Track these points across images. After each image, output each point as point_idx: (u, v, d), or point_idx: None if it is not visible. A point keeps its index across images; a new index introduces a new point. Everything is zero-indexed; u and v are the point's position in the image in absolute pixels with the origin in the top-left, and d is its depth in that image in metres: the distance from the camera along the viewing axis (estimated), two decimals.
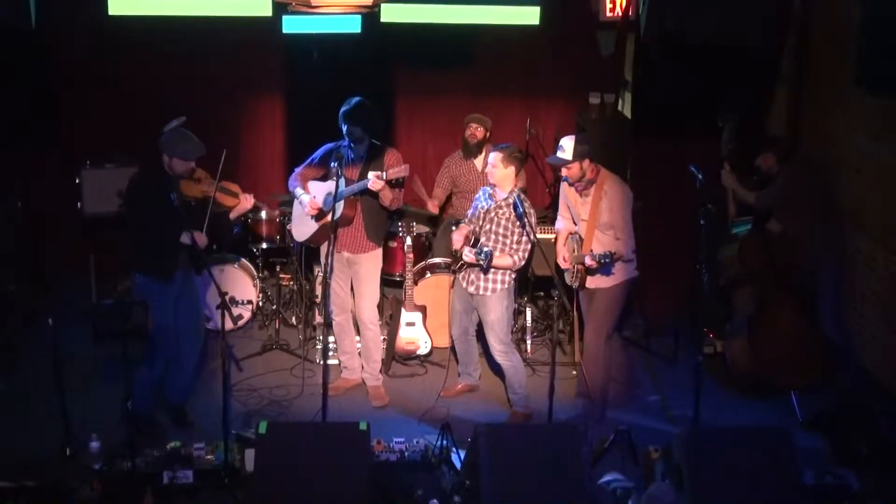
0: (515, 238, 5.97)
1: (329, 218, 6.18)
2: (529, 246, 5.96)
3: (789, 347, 6.39)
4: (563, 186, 6.21)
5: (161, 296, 5.74)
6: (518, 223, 5.94)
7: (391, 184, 6.09)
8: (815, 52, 7.63)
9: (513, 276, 6.10)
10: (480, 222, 6.09)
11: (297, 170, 6.41)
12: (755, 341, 6.41)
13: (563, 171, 5.99)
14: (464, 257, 6.02)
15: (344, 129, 6.14)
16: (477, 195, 6.27)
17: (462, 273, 6.17)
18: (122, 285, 7.46)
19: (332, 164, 6.10)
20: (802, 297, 6.52)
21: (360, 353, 6.67)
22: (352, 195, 6.12)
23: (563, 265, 6.20)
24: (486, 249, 5.90)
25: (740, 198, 6.80)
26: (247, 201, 6.03)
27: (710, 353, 7.03)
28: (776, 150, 6.69)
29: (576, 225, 6.18)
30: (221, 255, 7.39)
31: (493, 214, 6.04)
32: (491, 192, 6.10)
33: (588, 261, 5.88)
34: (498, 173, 5.97)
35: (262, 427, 5.10)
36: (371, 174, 6.02)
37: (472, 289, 6.12)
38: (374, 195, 6.12)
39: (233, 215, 6.11)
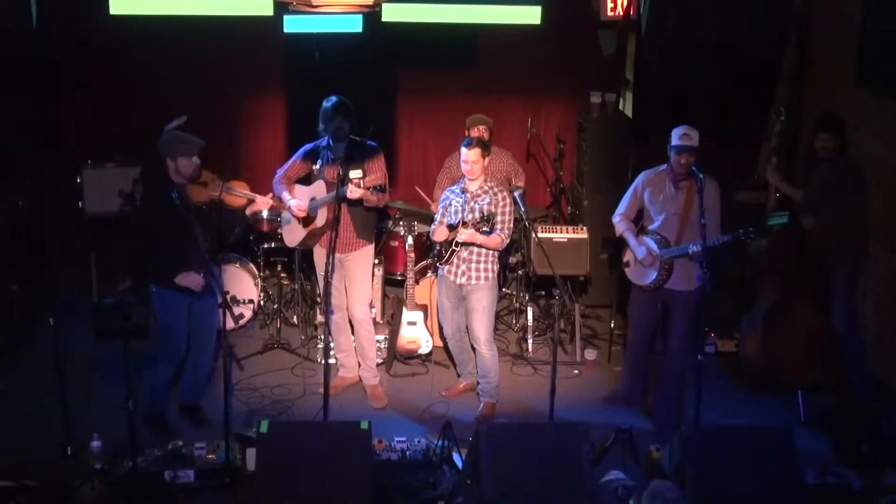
0: (498, 219, 6.04)
1: (316, 224, 6.20)
2: (512, 225, 6.13)
3: (803, 346, 6.36)
4: (644, 181, 6.07)
5: (175, 301, 5.73)
6: (500, 207, 6.04)
7: (371, 189, 5.98)
8: (815, 52, 7.63)
9: (497, 266, 6.19)
10: (460, 215, 6.10)
11: (280, 172, 6.36)
12: (769, 335, 6.36)
13: (685, 160, 5.82)
14: (462, 238, 6.00)
15: (332, 125, 6.03)
16: (444, 196, 6.30)
17: (448, 266, 6.19)
18: (122, 285, 7.46)
19: (316, 164, 6.15)
20: (822, 297, 6.49)
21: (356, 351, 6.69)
22: (332, 202, 6.05)
23: (647, 265, 5.98)
24: (484, 214, 5.93)
25: (787, 194, 6.57)
26: (263, 203, 6.05)
27: (712, 352, 7.05)
28: (834, 131, 6.43)
29: (634, 223, 6.09)
30: (223, 254, 7.39)
31: (472, 204, 6.09)
32: (463, 186, 6.16)
33: (693, 248, 5.75)
34: (479, 167, 6.06)
35: (263, 426, 5.10)
36: (350, 181, 5.93)
37: (462, 280, 6.15)
38: (356, 202, 6.07)
39: (248, 211, 6.16)
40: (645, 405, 6.37)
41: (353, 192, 5.94)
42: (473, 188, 6.12)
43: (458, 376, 6.67)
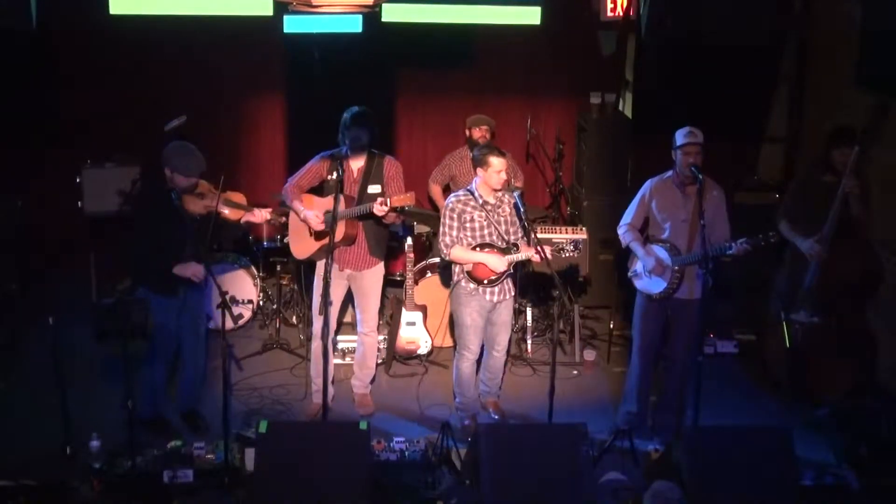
0: (518, 227, 5.94)
1: (330, 238, 6.04)
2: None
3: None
4: (652, 189, 5.90)
5: (164, 303, 5.71)
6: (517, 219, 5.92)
7: (395, 209, 5.79)
8: (815, 52, 7.63)
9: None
10: (486, 230, 5.86)
11: (291, 181, 6.09)
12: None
13: (693, 158, 5.66)
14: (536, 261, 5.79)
15: (350, 134, 5.84)
16: (454, 207, 5.81)
17: (490, 287, 5.91)
18: (122, 284, 7.47)
19: (331, 175, 5.93)
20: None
21: (351, 359, 6.63)
22: (353, 217, 5.90)
23: (657, 274, 5.80)
24: (565, 246, 5.81)
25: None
26: (258, 216, 5.87)
27: (711, 353, 7.05)
28: (859, 143, 6.13)
29: (642, 230, 5.93)
30: (222, 254, 7.40)
31: (496, 217, 5.90)
32: (482, 200, 5.83)
33: (729, 249, 5.52)
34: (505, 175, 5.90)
35: (262, 426, 5.10)
36: (378, 199, 5.74)
37: (499, 297, 5.94)
38: (377, 218, 5.87)
39: (243, 220, 5.94)
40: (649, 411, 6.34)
41: (379, 209, 5.72)
42: (493, 199, 5.87)
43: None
